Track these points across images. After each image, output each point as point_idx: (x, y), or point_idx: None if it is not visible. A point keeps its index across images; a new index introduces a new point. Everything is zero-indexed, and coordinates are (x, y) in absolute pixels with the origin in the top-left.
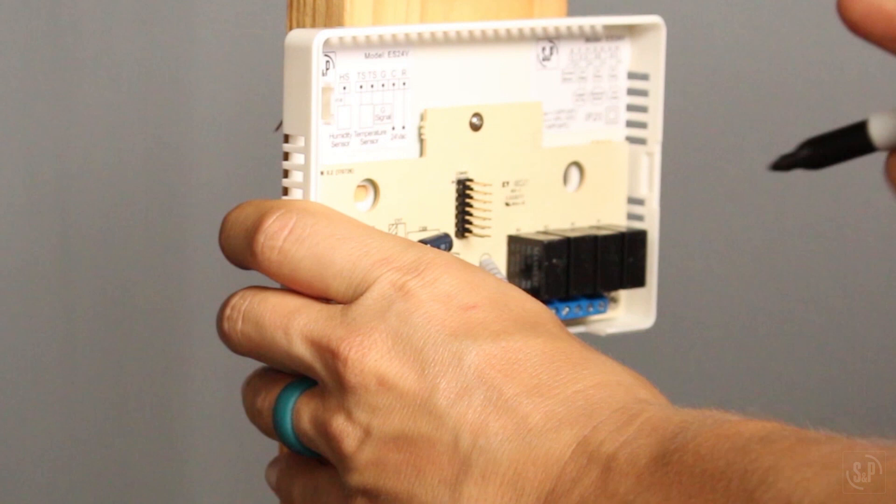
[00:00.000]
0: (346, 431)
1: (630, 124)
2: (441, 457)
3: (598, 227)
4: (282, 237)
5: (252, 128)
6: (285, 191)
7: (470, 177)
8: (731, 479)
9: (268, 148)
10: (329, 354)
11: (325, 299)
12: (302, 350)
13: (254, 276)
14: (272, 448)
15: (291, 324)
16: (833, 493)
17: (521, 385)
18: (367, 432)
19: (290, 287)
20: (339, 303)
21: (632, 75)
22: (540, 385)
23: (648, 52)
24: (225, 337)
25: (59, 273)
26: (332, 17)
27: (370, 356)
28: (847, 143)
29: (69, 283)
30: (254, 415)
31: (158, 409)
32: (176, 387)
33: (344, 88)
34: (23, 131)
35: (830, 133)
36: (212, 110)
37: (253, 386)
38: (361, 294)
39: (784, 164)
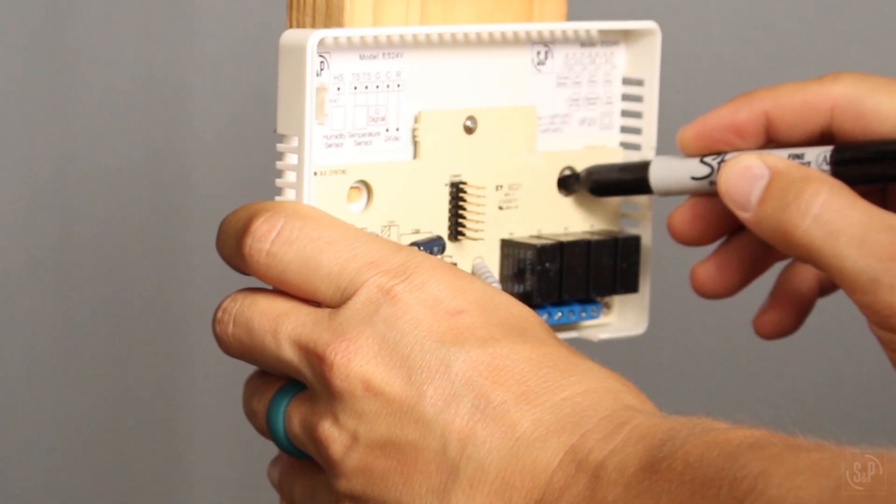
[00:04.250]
0: (333, 437)
1: (624, 130)
2: (429, 465)
3: (592, 232)
4: (269, 239)
5: (253, 128)
6: (279, 191)
7: (463, 180)
8: (721, 487)
9: (268, 148)
10: (316, 359)
11: (314, 302)
12: (290, 354)
13: (252, 278)
14: (273, 447)
15: (280, 327)
16: (825, 500)
17: (509, 392)
18: (354, 438)
19: (280, 289)
20: (328, 306)
21: (626, 81)
22: (528, 392)
23: (643, 58)
24: (218, 340)
25: (59, 274)
26: (331, 18)
27: (356, 361)
28: (627, 179)
29: (69, 284)
30: (250, 416)
31: (159, 409)
32: (176, 387)
33: (338, 89)
34: (22, 131)
35: (615, 165)
36: (212, 110)
37: (250, 387)
38: (349, 298)
39: (564, 184)
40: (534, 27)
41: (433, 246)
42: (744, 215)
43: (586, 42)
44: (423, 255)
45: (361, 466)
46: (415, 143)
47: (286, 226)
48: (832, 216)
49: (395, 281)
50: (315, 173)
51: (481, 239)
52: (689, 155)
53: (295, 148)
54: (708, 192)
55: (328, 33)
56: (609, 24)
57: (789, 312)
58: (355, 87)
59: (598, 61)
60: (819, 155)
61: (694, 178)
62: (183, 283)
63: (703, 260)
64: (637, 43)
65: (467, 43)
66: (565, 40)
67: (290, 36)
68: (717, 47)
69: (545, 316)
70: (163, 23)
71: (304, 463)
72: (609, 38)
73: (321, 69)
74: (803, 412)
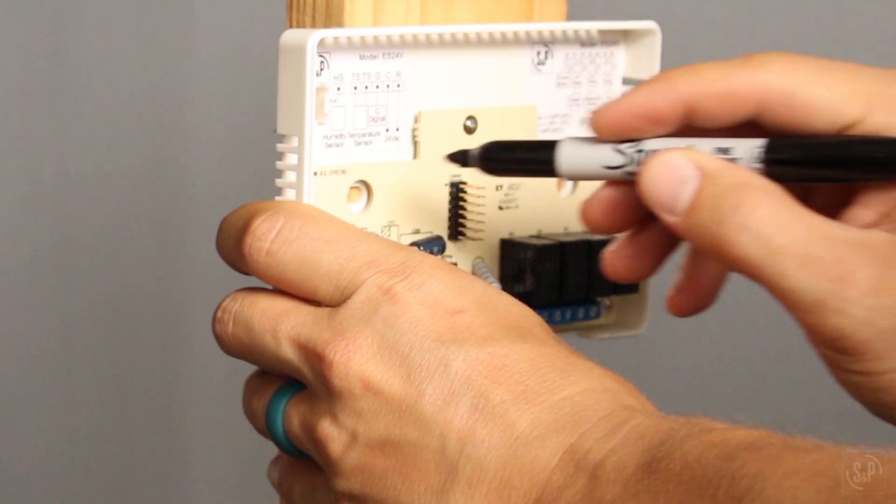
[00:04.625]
0: (332, 436)
1: None
2: (428, 464)
3: (592, 233)
4: (269, 239)
5: (253, 128)
6: (279, 191)
7: (463, 180)
8: (719, 487)
9: (268, 148)
10: (315, 358)
11: (314, 301)
12: (290, 353)
13: (252, 278)
14: (273, 447)
15: (279, 327)
16: (822, 500)
17: (508, 391)
18: (353, 437)
19: (279, 289)
20: (327, 305)
21: (626, 81)
22: (527, 391)
23: (643, 58)
24: (218, 339)
25: (59, 273)
26: (331, 18)
27: (355, 360)
28: (531, 159)
29: (70, 283)
30: (250, 415)
31: (159, 408)
32: (176, 387)
33: (338, 89)
34: (22, 132)
35: (519, 142)
36: (212, 111)
37: (250, 387)
38: (348, 297)
39: (458, 158)
40: (534, 27)
41: (433, 246)
42: (670, 219)
43: (586, 42)
44: (422, 255)
45: (360, 465)
46: (415, 143)
47: (286, 225)
48: (773, 232)
49: (394, 280)
50: (315, 173)
51: (481, 239)
52: (603, 139)
53: (295, 148)
54: (622, 180)
55: (328, 33)
56: (609, 24)
57: (705, 288)
58: (355, 87)
59: (598, 61)
60: (749, 151)
61: (607, 168)
62: (183, 283)
63: (615, 246)
64: (637, 43)
65: (467, 43)
66: (565, 40)
67: (290, 36)
68: (717, 47)
69: (545, 316)
70: (162, 23)
71: (303, 462)
72: (609, 38)
73: (321, 69)
74: (802, 412)
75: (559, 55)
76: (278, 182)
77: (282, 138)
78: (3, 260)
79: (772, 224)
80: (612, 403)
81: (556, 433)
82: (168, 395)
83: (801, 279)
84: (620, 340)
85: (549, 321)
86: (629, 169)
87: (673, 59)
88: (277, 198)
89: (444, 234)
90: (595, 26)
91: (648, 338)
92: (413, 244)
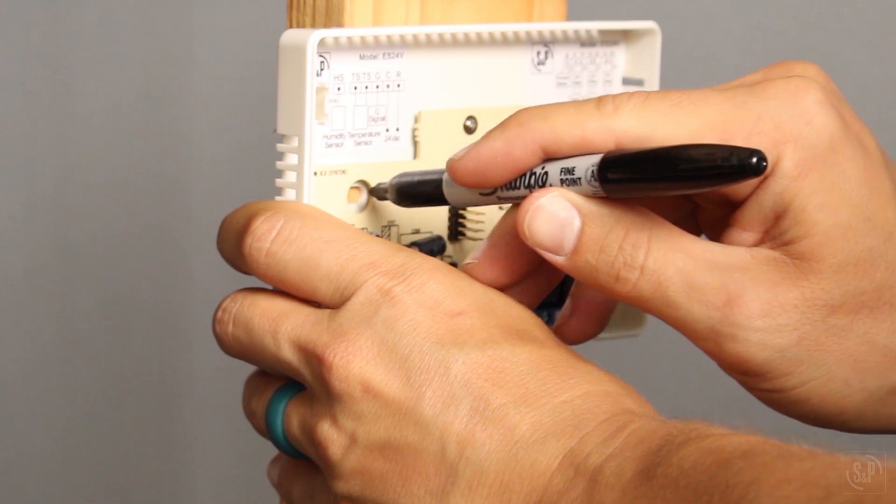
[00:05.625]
0: (332, 438)
1: None
2: (427, 467)
3: None
4: (269, 239)
5: (253, 128)
6: (279, 191)
7: None
8: (713, 494)
9: (268, 148)
10: (315, 360)
11: (314, 302)
12: (289, 355)
13: (252, 278)
14: (273, 447)
15: (279, 328)
16: None
17: (508, 395)
18: (353, 439)
19: (279, 289)
20: (327, 306)
21: (626, 81)
22: (527, 394)
23: (643, 58)
24: (218, 340)
25: (60, 272)
26: (331, 18)
27: (355, 363)
28: (427, 192)
29: (70, 282)
30: (249, 416)
31: (159, 408)
32: (177, 387)
33: (338, 89)
34: (22, 133)
35: (418, 175)
36: (212, 111)
37: (250, 387)
38: (348, 298)
39: (375, 192)
40: (534, 27)
41: (433, 246)
42: (556, 259)
43: (586, 42)
44: (422, 257)
45: (359, 468)
46: (415, 143)
47: (286, 225)
48: (657, 266)
49: (394, 282)
50: (315, 173)
51: (481, 239)
52: (466, 187)
53: (295, 148)
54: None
55: (328, 33)
56: (609, 24)
57: (593, 316)
58: (355, 87)
59: (598, 61)
60: (587, 170)
61: (482, 194)
62: (183, 283)
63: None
64: (637, 43)
65: (467, 43)
66: (565, 40)
67: (290, 36)
68: (717, 47)
69: (545, 316)
70: (162, 23)
71: (303, 463)
72: (609, 38)
73: (321, 69)
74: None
75: (559, 55)
76: (278, 182)
77: (282, 138)
78: (4, 259)
79: (655, 259)
80: (612, 407)
81: (557, 437)
82: (168, 396)
83: (690, 309)
84: (620, 340)
85: (549, 321)
86: (499, 193)
87: (673, 59)
88: (277, 198)
89: (444, 234)
90: (595, 26)
91: (648, 338)
92: (413, 244)
